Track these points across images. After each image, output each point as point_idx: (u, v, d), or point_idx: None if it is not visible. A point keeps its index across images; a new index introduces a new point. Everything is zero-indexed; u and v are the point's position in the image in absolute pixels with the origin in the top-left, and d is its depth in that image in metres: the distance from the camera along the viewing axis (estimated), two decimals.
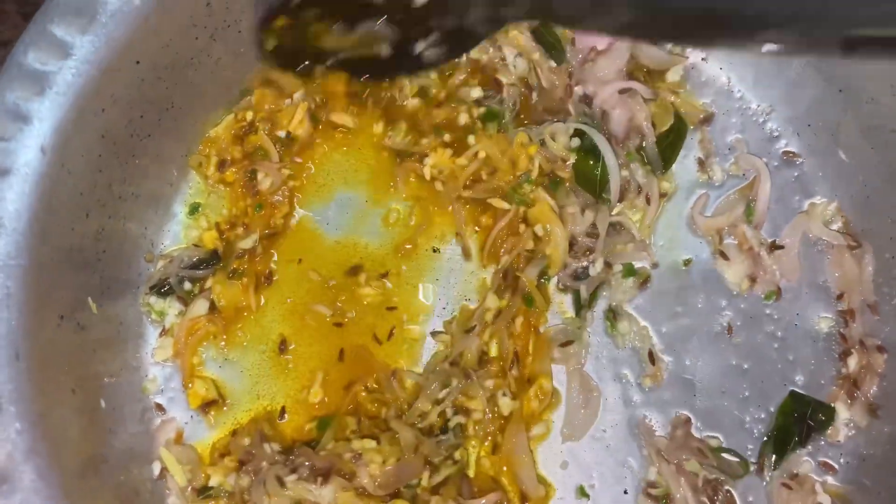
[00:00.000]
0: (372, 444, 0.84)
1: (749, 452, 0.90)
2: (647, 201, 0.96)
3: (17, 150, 0.73)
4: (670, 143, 0.97)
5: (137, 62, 0.83)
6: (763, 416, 0.91)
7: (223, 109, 0.99)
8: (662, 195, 0.97)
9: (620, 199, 0.95)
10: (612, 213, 0.95)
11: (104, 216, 0.84)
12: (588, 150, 0.94)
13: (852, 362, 0.91)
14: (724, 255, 0.95)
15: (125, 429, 0.83)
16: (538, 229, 0.93)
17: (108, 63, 0.79)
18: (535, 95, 0.98)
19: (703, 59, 1.03)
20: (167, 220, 0.95)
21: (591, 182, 0.95)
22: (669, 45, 1.01)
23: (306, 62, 0.79)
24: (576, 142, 0.95)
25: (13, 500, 0.63)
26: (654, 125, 0.97)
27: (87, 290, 0.82)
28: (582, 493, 0.89)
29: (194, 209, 0.95)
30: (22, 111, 0.74)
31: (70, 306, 0.78)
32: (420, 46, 0.75)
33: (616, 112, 0.96)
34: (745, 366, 0.93)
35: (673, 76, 1.00)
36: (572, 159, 0.95)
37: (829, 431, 0.90)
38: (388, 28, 0.75)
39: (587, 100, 0.97)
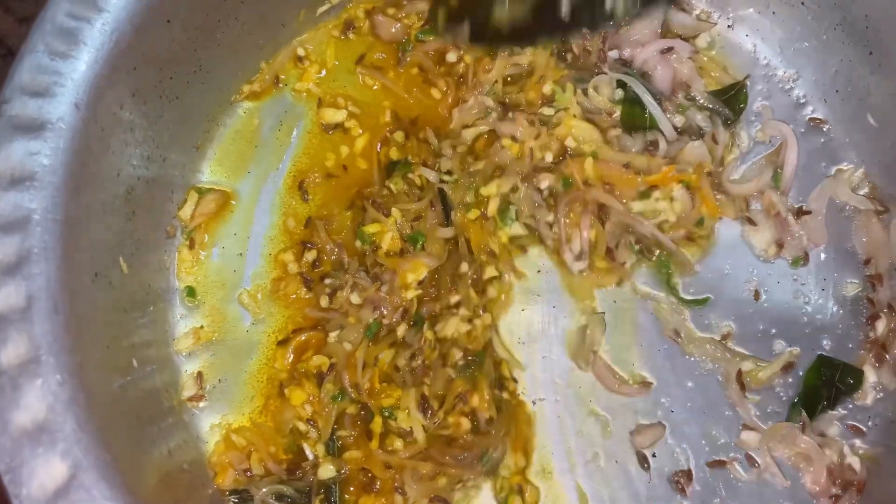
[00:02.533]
0: None
1: (777, 415, 0.90)
2: (714, 140, 0.96)
3: (52, 106, 0.73)
4: (733, 96, 0.98)
5: (168, 21, 0.83)
6: (791, 380, 0.91)
7: (247, 76, 1.00)
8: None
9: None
10: None
11: (134, 177, 0.84)
12: (633, 101, 0.95)
13: (880, 326, 0.91)
14: (750, 221, 0.95)
15: (154, 384, 0.83)
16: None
17: (141, 21, 0.79)
18: (569, 58, 0.98)
19: (728, 26, 1.03)
20: (191, 186, 0.95)
21: (640, 128, 0.95)
22: (697, 11, 1.01)
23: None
24: (619, 93, 0.95)
25: (55, 449, 0.64)
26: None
27: (118, 249, 0.82)
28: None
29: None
30: (56, 67, 0.74)
31: (103, 264, 0.78)
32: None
33: (658, 71, 0.97)
34: (773, 330, 0.93)
35: (701, 42, 1.00)
36: (617, 112, 0.95)
37: (857, 394, 0.90)
38: None
39: (624, 62, 0.97)
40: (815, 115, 1.00)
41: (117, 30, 0.77)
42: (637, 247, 0.94)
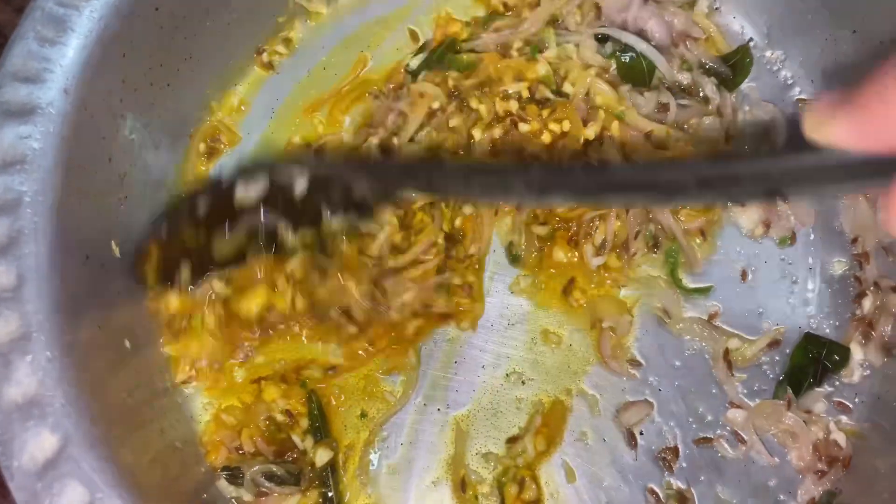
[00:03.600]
0: None
1: (764, 393, 0.90)
2: (720, 113, 0.96)
3: (42, 91, 0.75)
4: (739, 60, 0.99)
5: (156, 9, 0.84)
6: (778, 358, 0.91)
7: (237, 67, 1.01)
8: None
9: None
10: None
11: (126, 163, 0.86)
12: (624, 51, 0.95)
13: (867, 304, 0.91)
14: None
15: (147, 366, 0.85)
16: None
17: (128, 8, 0.80)
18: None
19: (716, 7, 1.03)
20: (184, 175, 0.97)
21: (639, 73, 0.95)
22: None
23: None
24: (608, 48, 0.96)
25: (45, 423, 0.65)
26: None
27: (110, 233, 0.83)
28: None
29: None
30: (45, 53, 0.76)
31: (95, 246, 0.80)
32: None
33: (650, 24, 0.97)
34: (760, 310, 0.93)
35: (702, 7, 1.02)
36: (614, 66, 0.96)
37: (843, 372, 0.90)
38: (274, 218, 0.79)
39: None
40: (802, 96, 1.00)
41: (104, 17, 0.78)
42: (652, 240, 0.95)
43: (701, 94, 0.97)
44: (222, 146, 0.99)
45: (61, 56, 0.76)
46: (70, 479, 0.64)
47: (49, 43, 0.76)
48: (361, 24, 1.05)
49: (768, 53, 1.02)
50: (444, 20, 1.03)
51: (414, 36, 1.05)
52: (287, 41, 1.04)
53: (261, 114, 1.01)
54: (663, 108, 0.94)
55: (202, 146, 0.98)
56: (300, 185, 0.78)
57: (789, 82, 1.01)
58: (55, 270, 0.71)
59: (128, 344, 0.82)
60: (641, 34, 0.97)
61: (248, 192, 0.78)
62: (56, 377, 0.67)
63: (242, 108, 1.01)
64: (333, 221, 0.79)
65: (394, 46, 1.05)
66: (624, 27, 0.97)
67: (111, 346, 0.79)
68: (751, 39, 1.01)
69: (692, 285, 0.94)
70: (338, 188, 0.78)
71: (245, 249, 0.80)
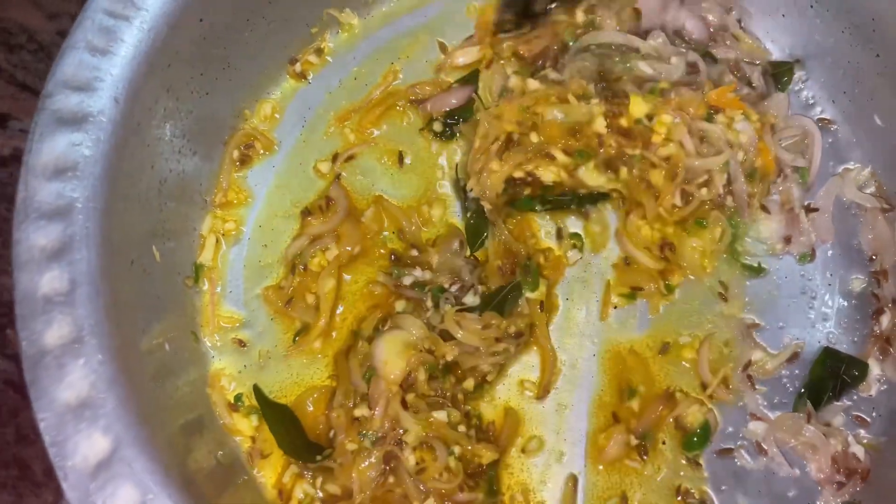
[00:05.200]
0: None
1: (784, 406, 0.93)
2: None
3: (93, 99, 0.76)
4: (782, 71, 1.03)
5: (201, 19, 0.86)
6: (797, 371, 0.94)
7: (270, 76, 1.03)
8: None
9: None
10: None
11: (166, 169, 0.88)
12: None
13: (885, 320, 0.94)
14: (765, 209, 0.97)
15: (186, 373, 0.87)
16: None
17: (175, 19, 0.82)
18: None
19: (741, 27, 1.06)
20: (219, 180, 0.99)
21: None
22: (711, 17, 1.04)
23: None
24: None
25: (97, 425, 0.67)
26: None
27: (151, 238, 0.85)
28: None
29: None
30: (96, 63, 0.77)
31: (138, 251, 0.82)
32: None
33: (688, 24, 1.00)
34: (780, 324, 0.96)
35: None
36: None
37: (861, 386, 0.92)
38: None
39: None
40: (823, 116, 1.03)
41: (154, 28, 0.80)
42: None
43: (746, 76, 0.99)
44: (256, 153, 1.01)
45: (112, 65, 0.78)
46: (122, 480, 0.65)
47: (100, 52, 0.78)
48: (392, 35, 1.08)
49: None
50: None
51: (443, 48, 1.07)
52: (319, 51, 1.06)
53: (293, 122, 1.03)
54: (693, 69, 0.96)
55: (235, 153, 1.00)
56: None
57: (811, 102, 1.04)
58: (105, 275, 0.73)
59: (167, 347, 0.84)
60: (679, 34, 0.99)
61: None
62: (108, 380, 0.68)
63: (276, 115, 1.03)
64: None
65: (423, 58, 1.07)
66: (664, 29, 0.99)
67: (154, 349, 0.80)
68: (797, 60, 1.04)
69: (748, 262, 0.97)
70: None
71: None
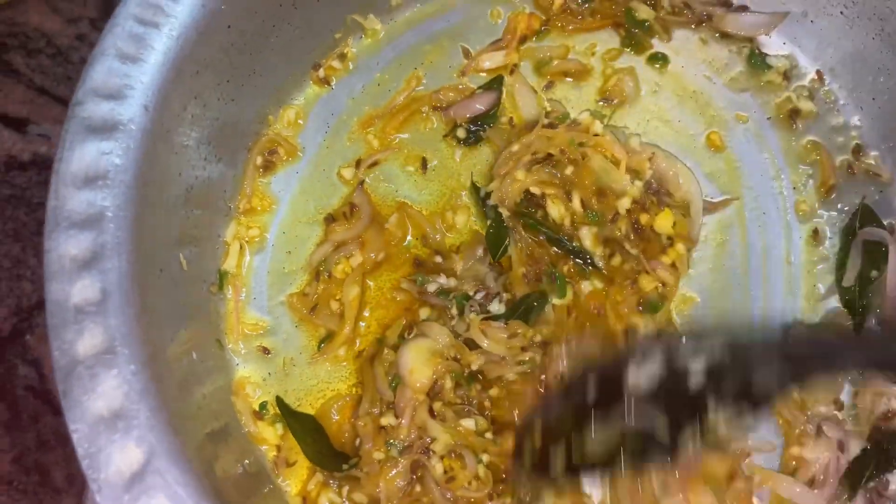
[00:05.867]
0: None
1: None
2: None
3: (123, 107, 0.76)
4: None
5: (229, 26, 0.86)
6: None
7: (294, 82, 1.03)
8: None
9: None
10: None
11: (192, 176, 0.88)
12: None
13: None
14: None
15: (211, 381, 0.87)
16: None
17: (204, 26, 0.82)
18: None
19: (767, 34, 1.05)
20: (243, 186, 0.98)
21: None
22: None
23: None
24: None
25: (130, 436, 0.66)
26: None
27: (178, 246, 0.85)
28: None
29: None
30: (126, 70, 0.77)
31: (166, 260, 0.81)
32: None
33: None
34: None
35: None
36: None
37: None
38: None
39: None
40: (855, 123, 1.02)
41: (183, 35, 0.80)
42: None
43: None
44: (279, 159, 1.01)
45: (142, 73, 0.77)
46: (156, 492, 0.65)
47: (130, 60, 0.77)
48: (416, 41, 1.07)
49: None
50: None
51: (466, 53, 1.06)
52: (343, 57, 1.05)
53: (316, 128, 1.03)
54: None
55: (259, 159, 1.00)
56: (697, 373, 0.61)
57: (838, 108, 1.03)
58: (135, 284, 0.73)
59: (195, 356, 0.83)
60: None
61: (639, 377, 0.64)
62: (140, 390, 0.68)
63: (300, 121, 1.03)
64: (720, 417, 0.61)
65: (447, 64, 1.06)
66: None
67: (182, 358, 0.80)
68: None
69: None
70: (739, 371, 0.61)
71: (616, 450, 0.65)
